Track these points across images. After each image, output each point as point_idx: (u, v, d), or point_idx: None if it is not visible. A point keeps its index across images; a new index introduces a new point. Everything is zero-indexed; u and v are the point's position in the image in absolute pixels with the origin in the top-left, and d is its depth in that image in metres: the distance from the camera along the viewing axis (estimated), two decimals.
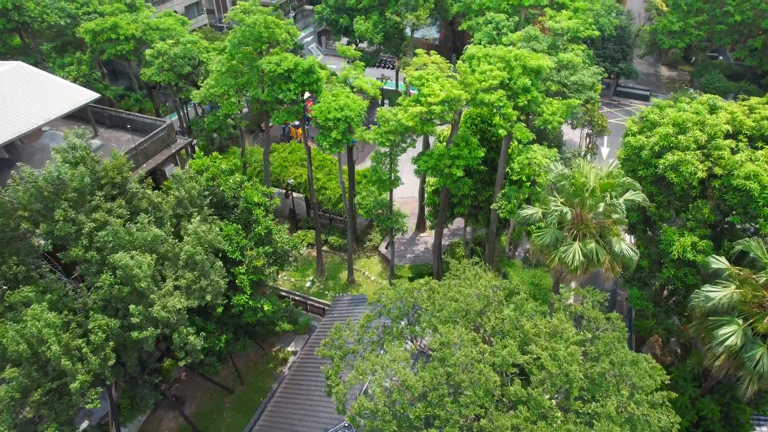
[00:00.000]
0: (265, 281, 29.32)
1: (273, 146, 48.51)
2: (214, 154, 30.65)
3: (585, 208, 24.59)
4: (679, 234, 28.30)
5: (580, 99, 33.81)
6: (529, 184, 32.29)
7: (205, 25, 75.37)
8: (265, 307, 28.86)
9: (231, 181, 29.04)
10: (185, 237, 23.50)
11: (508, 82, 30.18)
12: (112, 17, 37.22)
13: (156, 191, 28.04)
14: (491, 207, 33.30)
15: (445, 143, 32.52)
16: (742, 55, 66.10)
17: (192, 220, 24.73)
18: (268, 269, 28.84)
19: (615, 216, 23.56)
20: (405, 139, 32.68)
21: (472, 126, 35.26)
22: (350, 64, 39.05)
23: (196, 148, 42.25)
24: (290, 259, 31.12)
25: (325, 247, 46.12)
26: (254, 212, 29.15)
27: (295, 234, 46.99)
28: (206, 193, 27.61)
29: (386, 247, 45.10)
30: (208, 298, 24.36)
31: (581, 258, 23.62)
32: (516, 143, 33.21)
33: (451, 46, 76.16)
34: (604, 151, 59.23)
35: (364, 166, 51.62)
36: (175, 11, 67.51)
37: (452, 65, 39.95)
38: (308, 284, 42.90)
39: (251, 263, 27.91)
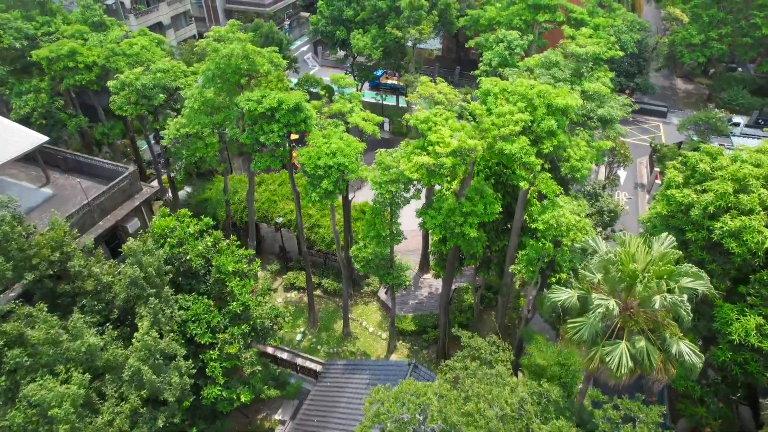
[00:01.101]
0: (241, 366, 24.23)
1: (261, 176, 43.32)
2: (182, 211, 25.48)
3: (633, 296, 19.48)
4: (739, 312, 23.25)
5: (607, 143, 28.58)
6: (551, 243, 27.11)
7: (194, 36, 70.02)
8: (243, 398, 23.79)
9: (200, 246, 23.88)
10: (133, 341, 18.38)
11: (530, 125, 25.03)
12: (71, 42, 31.82)
13: (110, 262, 22.90)
14: (509, 269, 28.18)
15: (454, 195, 27.33)
16: (767, 69, 60.87)
17: (144, 312, 19.62)
18: (245, 353, 23.72)
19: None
20: (408, 188, 27.56)
21: (485, 168, 30.09)
22: (345, 90, 33.82)
23: (176, 176, 37.12)
24: (273, 333, 26.01)
25: (318, 291, 41.02)
26: (228, 284, 24.02)
27: (285, 276, 41.89)
28: (168, 267, 22.46)
29: (386, 293, 40.00)
30: (168, 396, 19.33)
31: (629, 363, 18.54)
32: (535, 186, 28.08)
33: (455, 57, 70.88)
34: (621, 174, 54.03)
35: (362, 197, 46.49)
36: (161, 22, 62.28)
37: (461, 96, 34.81)
38: (299, 337, 37.80)
39: (224, 348, 22.82)
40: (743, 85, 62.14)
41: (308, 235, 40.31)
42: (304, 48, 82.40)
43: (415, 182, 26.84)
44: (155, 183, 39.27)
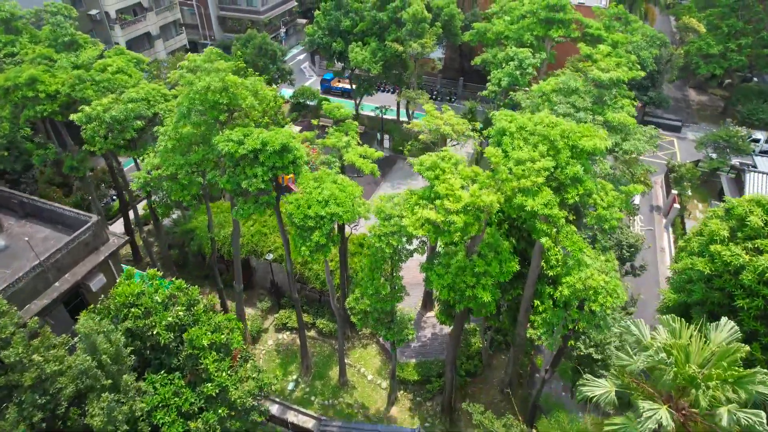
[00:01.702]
0: None
1: None
2: (151, 271, 21.83)
3: (688, 398, 15.87)
4: None
5: (638, 187, 24.89)
6: (576, 308, 23.44)
7: (184, 46, 66.24)
8: None
9: (170, 317, 20.26)
10: None
11: (552, 171, 21.41)
12: (31, 68, 28.04)
13: (61, 339, 19.30)
14: (527, 334, 24.56)
15: (464, 248, 23.67)
16: None
17: (96, 410, 16.03)
18: None
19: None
20: (411, 240, 23.96)
21: (497, 212, 26.41)
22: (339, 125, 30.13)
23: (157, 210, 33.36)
24: (257, 410, 22.38)
25: (312, 332, 37.41)
26: (203, 360, 20.41)
27: (276, 315, 38.27)
28: (129, 350, 18.86)
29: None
30: None
31: None
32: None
33: (458, 67, 67.09)
34: (636, 199, 50.31)
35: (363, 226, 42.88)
36: (149, 33, 58.57)
37: (470, 126, 31.21)
38: (290, 386, 34.19)
39: None
40: (763, 98, 58.40)
41: (301, 271, 36.73)
42: (301, 57, 78.61)
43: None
44: (134, 214, 35.57)
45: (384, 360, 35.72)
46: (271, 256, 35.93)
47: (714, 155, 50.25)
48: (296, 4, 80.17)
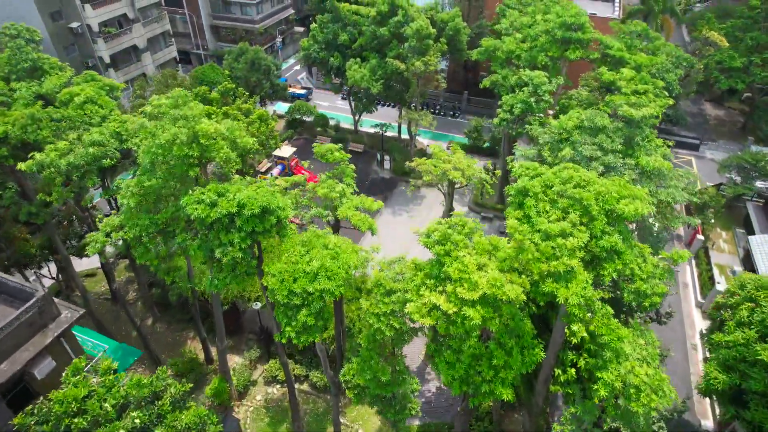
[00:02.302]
0: None
1: None
2: (105, 363, 17.98)
3: None
4: None
5: (684, 253, 20.99)
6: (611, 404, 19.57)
7: (174, 59, 62.26)
8: None
9: (124, 430, 16.43)
10: None
11: (585, 243, 17.56)
12: None
13: None
14: (553, 428, 20.71)
15: (476, 335, 19.78)
16: None
17: None
18: None
19: None
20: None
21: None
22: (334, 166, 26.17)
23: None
24: None
25: (305, 386, 33.61)
26: None
27: (266, 366, 34.44)
28: None
29: None
30: None
31: None
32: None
33: (462, 80, 63.07)
34: None
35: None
36: (136, 46, 54.64)
37: (482, 170, 27.30)
38: None
39: None
40: None
41: None
42: (298, 67, 74.61)
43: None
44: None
45: (383, 421, 31.92)
46: (258, 305, 32.10)
47: (738, 179, 46.32)
48: (293, 12, 76.13)
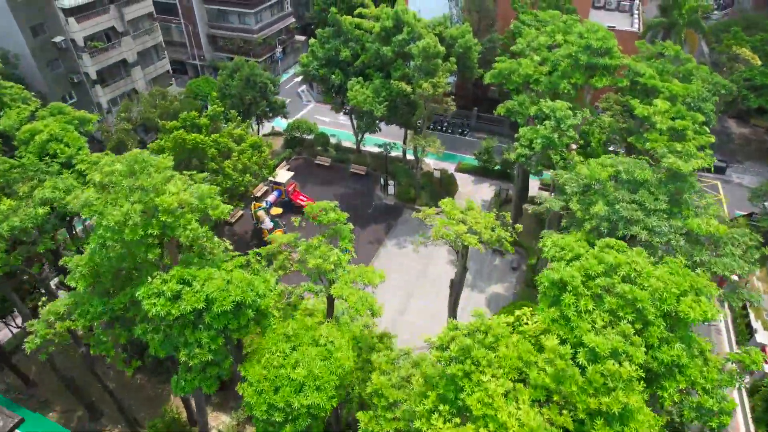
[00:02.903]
0: None
1: None
2: None
3: None
4: None
5: (758, 356, 16.99)
6: None
7: (167, 72, 58.39)
8: None
9: None
10: None
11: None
12: None
13: None
14: None
15: None
16: None
17: None
18: None
19: None
20: None
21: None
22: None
23: None
24: None
25: None
26: None
27: None
28: None
29: None
30: None
31: None
32: None
33: (470, 96, 58.95)
34: None
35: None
36: (125, 60, 50.84)
37: (499, 218, 23.38)
38: None
39: None
40: None
41: None
42: (298, 78, 70.48)
43: None
44: None
45: None
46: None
47: None
48: (293, 21, 72.10)
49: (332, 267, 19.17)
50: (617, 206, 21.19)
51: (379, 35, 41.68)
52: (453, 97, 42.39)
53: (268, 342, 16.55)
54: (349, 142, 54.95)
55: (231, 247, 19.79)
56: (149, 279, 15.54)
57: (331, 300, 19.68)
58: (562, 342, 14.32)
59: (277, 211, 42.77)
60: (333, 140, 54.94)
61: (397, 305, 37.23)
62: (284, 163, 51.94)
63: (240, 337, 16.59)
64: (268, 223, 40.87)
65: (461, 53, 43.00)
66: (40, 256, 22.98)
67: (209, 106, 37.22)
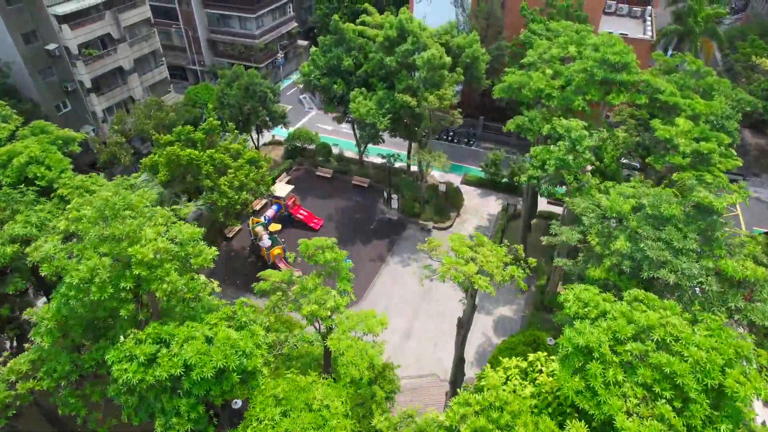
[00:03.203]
0: None
1: None
2: None
3: None
4: None
5: None
6: None
7: (166, 79, 56.58)
8: None
9: None
10: None
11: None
12: None
13: None
14: None
15: None
16: None
17: None
18: None
19: None
20: None
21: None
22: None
23: None
24: None
25: None
26: None
27: None
28: None
29: None
30: None
31: None
32: None
33: (476, 105, 56.91)
34: None
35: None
36: (121, 68, 49.10)
37: (511, 251, 21.47)
38: None
39: None
40: None
41: None
42: (301, 84, 68.57)
43: None
44: None
45: None
46: (239, 403, 26.45)
47: None
48: (296, 25, 70.19)
49: (329, 314, 17.30)
50: (641, 244, 19.23)
51: (383, 45, 39.75)
52: (459, 109, 40.33)
53: (255, 407, 14.72)
54: (351, 152, 53.07)
55: (219, 289, 17.95)
56: (121, 338, 13.73)
57: (328, 350, 17.81)
58: (588, 421, 12.45)
59: (275, 227, 40.89)
60: (335, 149, 53.08)
61: (400, 328, 35.40)
62: (284, 174, 50.10)
63: (226, 399, 14.79)
64: (266, 241, 39.03)
65: (468, 63, 41.03)
66: (12, 297, 21.25)
67: (206, 118, 35.43)
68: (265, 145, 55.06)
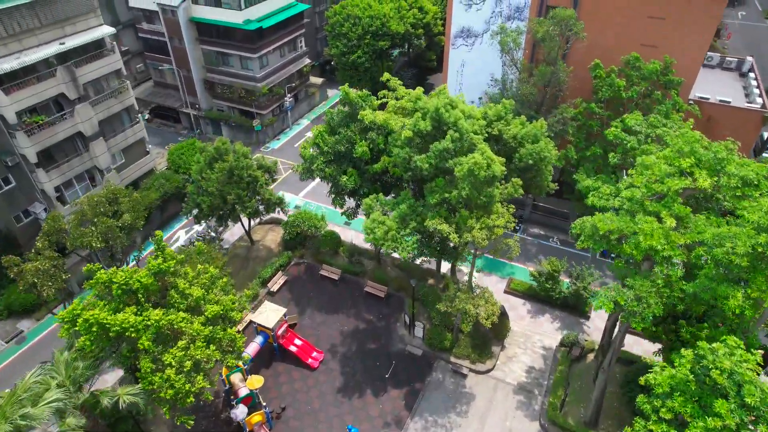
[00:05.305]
0: None
1: None
2: None
3: None
4: None
5: None
6: None
7: (142, 139, 44.96)
8: None
9: None
10: None
11: None
12: None
13: None
14: None
15: None
16: None
17: None
18: None
19: None
20: None
21: None
22: None
23: None
24: None
25: None
26: None
27: None
28: None
29: None
30: None
31: None
32: None
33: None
34: None
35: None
36: (81, 133, 37.69)
37: None
38: None
39: None
40: None
41: None
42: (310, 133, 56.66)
43: None
44: None
45: None
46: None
47: None
48: (308, 62, 57.93)
49: None
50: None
51: (412, 140, 27.52)
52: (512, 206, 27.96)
53: None
54: (367, 244, 40.96)
55: None
56: None
57: None
58: None
59: (257, 382, 28.90)
60: (346, 234, 41.21)
61: None
62: (280, 273, 38.31)
63: None
64: (239, 412, 27.35)
65: (530, 165, 28.56)
66: None
67: (156, 261, 23.62)
68: (261, 224, 43.45)
